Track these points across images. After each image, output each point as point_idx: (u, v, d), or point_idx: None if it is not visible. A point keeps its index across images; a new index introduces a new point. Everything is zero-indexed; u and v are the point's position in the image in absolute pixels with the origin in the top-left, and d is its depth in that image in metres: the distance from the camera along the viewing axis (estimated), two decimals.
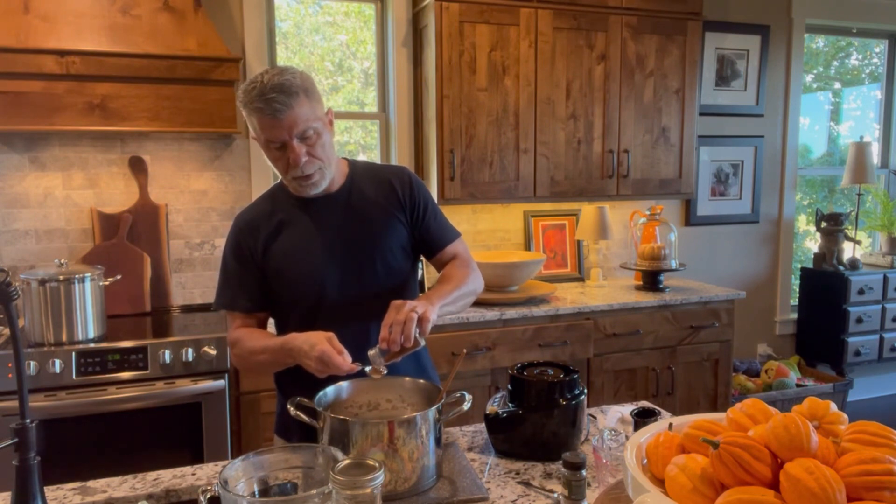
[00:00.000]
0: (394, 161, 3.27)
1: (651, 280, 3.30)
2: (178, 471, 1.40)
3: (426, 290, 3.09)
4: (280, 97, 1.39)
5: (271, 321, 1.66)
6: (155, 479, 1.36)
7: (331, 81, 3.31)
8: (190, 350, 2.40)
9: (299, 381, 1.45)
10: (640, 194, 3.35)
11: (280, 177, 1.55)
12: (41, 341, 2.36)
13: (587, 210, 3.35)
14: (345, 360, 1.32)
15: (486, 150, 3.03)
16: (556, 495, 1.28)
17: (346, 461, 1.00)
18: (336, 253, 1.55)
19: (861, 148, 4.03)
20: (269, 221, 1.56)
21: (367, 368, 1.36)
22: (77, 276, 2.39)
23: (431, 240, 1.65)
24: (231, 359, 1.59)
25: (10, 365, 2.24)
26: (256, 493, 1.12)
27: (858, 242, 4.19)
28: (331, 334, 1.35)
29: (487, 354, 2.80)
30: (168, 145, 2.92)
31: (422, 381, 1.46)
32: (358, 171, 1.63)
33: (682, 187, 3.43)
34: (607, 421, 1.64)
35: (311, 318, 1.53)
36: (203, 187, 2.99)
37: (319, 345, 1.32)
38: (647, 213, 3.46)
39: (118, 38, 2.54)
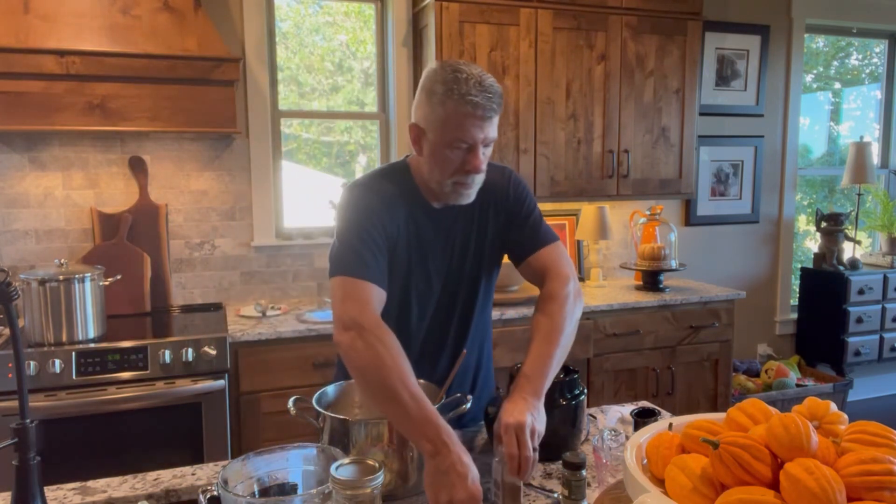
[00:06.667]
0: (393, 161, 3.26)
1: (651, 280, 3.30)
2: (178, 471, 1.40)
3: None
4: (496, 98, 1.33)
5: None
6: (155, 479, 1.36)
7: (331, 81, 3.31)
8: (190, 350, 2.40)
9: None
10: (640, 194, 3.35)
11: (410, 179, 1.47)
12: (41, 341, 2.36)
13: (587, 210, 3.35)
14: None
15: None
16: (556, 495, 1.27)
17: (346, 461, 1.00)
18: (446, 261, 1.51)
19: (861, 148, 4.03)
20: (403, 206, 1.46)
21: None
22: (77, 276, 2.39)
23: (523, 244, 1.53)
24: (353, 342, 1.24)
25: (10, 365, 2.24)
26: (256, 493, 1.12)
27: (858, 242, 4.19)
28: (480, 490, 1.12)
29: None
30: (168, 145, 2.92)
31: (422, 380, 1.45)
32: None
33: (682, 187, 3.42)
34: (607, 421, 1.64)
35: (400, 317, 1.48)
36: (203, 187, 2.99)
37: (476, 485, 1.11)
38: (647, 213, 3.46)
39: (118, 38, 2.54)
